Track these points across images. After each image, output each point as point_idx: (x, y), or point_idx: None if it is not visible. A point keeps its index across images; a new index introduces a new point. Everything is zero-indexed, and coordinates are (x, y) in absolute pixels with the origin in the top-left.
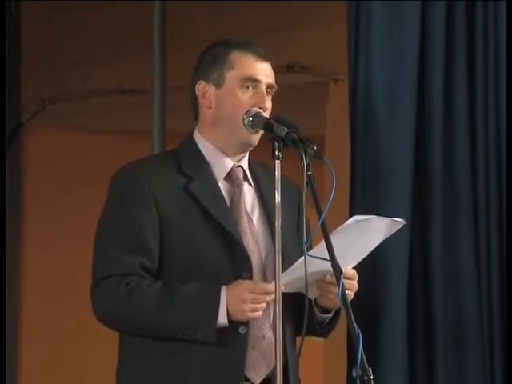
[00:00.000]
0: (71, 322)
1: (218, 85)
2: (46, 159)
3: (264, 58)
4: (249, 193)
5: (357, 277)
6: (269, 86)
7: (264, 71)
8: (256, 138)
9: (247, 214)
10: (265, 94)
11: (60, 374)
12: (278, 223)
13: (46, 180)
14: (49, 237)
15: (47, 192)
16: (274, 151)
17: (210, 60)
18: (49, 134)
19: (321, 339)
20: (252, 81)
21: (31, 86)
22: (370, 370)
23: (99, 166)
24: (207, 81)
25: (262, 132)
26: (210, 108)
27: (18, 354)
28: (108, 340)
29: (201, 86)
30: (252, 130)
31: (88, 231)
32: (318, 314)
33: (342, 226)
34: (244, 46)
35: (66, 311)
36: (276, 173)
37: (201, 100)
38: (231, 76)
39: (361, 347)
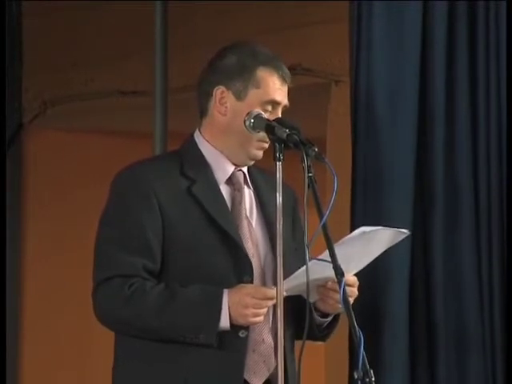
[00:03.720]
0: (73, 322)
1: (239, 97)
2: (47, 161)
3: (288, 80)
4: (248, 195)
5: (357, 284)
6: (284, 106)
7: (283, 92)
8: (261, 154)
9: (247, 217)
10: (280, 115)
11: (61, 375)
12: (279, 225)
13: (47, 181)
14: (49, 238)
15: (48, 193)
16: (275, 153)
17: (235, 69)
18: (50, 136)
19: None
20: (273, 103)
21: (32, 88)
22: (372, 372)
23: (100, 167)
24: (228, 88)
25: (266, 145)
26: (224, 115)
27: (19, 355)
28: (109, 341)
29: (219, 91)
30: (253, 132)
31: (89, 232)
32: (317, 318)
33: (348, 237)
34: (271, 63)
35: (67, 311)
36: (277, 174)
37: (215, 104)
38: (255, 94)
39: (362, 349)
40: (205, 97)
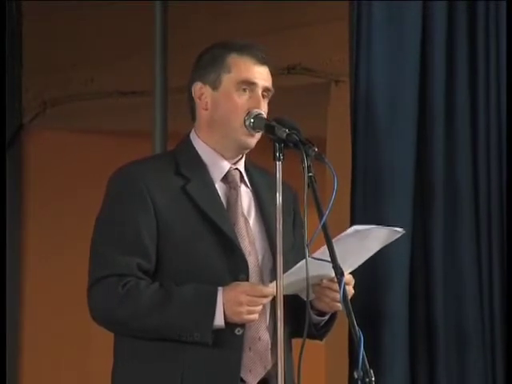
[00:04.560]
0: (73, 322)
1: (215, 87)
2: (47, 161)
3: (262, 61)
4: (245, 194)
5: (353, 282)
6: (265, 90)
7: (261, 74)
8: (253, 141)
9: (244, 216)
10: (261, 97)
11: (61, 375)
12: (279, 225)
13: (47, 182)
14: (50, 238)
15: (48, 194)
16: (275, 153)
17: (208, 62)
18: (50, 136)
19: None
20: (248, 84)
21: (32, 88)
22: (372, 371)
23: (100, 167)
24: (204, 82)
25: (259, 135)
26: (206, 109)
27: (19, 355)
28: (109, 341)
29: (197, 87)
30: (253, 132)
31: (89, 233)
32: (314, 317)
33: (341, 235)
34: (243, 49)
35: (67, 311)
36: (277, 174)
37: (197, 101)
38: (228, 79)
39: (362, 349)
40: (190, 99)
